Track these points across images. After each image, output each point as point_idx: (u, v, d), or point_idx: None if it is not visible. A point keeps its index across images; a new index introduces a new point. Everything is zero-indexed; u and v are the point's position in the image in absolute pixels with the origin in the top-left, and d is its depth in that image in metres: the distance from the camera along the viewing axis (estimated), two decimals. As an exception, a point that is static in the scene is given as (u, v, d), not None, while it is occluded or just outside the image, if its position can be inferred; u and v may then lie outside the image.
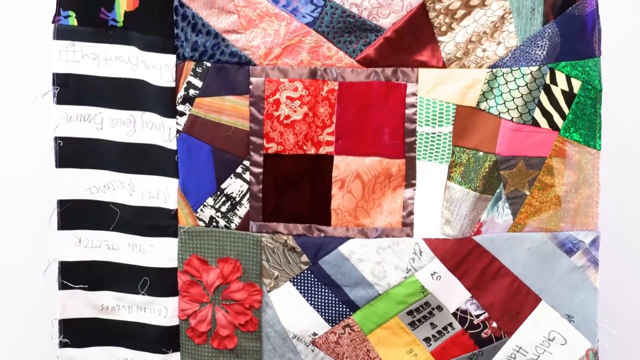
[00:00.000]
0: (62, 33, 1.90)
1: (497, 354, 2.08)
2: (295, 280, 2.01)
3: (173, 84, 1.91)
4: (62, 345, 2.12)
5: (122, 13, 1.90)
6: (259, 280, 2.02)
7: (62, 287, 2.02)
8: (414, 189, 1.96)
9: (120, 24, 1.90)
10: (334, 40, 1.90)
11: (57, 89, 1.93)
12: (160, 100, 1.91)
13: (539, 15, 1.89)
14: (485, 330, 2.03)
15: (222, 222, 1.96)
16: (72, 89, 1.93)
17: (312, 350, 2.10)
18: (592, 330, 2.02)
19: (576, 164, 1.98)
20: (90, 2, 1.91)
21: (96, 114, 1.93)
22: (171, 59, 1.90)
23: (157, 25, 1.91)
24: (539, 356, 2.06)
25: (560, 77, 1.94)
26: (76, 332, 2.09)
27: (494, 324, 2.03)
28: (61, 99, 1.93)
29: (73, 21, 1.90)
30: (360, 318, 2.05)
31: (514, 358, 2.06)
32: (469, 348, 2.07)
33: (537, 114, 1.94)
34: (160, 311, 2.03)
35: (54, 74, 1.94)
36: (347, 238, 1.97)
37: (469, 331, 2.04)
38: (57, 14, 1.91)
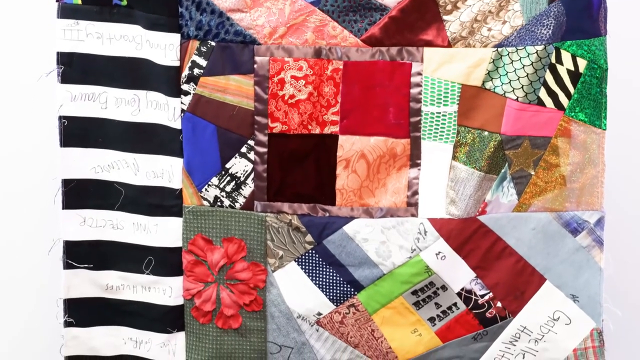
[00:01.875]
0: (66, 12, 1.91)
1: (502, 333, 2.08)
2: (299, 259, 2.02)
3: (177, 63, 1.91)
4: (67, 324, 2.12)
5: None
6: (264, 260, 2.03)
7: (67, 266, 2.03)
8: (419, 169, 1.96)
9: (125, 3, 1.90)
10: (338, 20, 1.90)
11: (61, 68, 1.93)
12: (165, 80, 1.91)
13: None
14: (489, 310, 2.04)
15: (226, 202, 1.97)
16: (76, 68, 1.93)
17: (317, 330, 2.10)
18: (596, 310, 2.03)
19: (581, 144, 1.97)
20: None
21: (100, 93, 1.94)
22: (175, 38, 1.90)
23: (161, 4, 1.91)
24: (543, 336, 2.06)
25: (566, 56, 1.93)
26: (81, 311, 2.09)
27: (499, 304, 2.03)
28: (65, 78, 1.93)
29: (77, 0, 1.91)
30: (364, 298, 2.05)
31: (519, 338, 2.06)
32: (473, 328, 2.08)
33: (543, 94, 1.94)
34: (165, 291, 2.04)
35: (58, 52, 1.93)
36: (352, 218, 1.97)
37: (474, 311, 2.04)
38: None
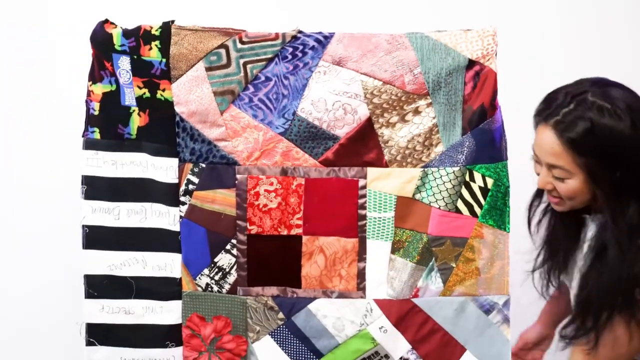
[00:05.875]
0: (89, 144, 2.20)
1: (433, 393, 2.33)
2: (273, 333, 2.29)
3: (176, 181, 2.23)
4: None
5: (135, 128, 2.23)
6: (245, 334, 2.30)
7: (89, 344, 2.27)
8: (365, 262, 2.25)
9: (134, 136, 2.21)
10: (300, 146, 2.21)
11: (85, 187, 2.23)
12: (166, 194, 2.25)
13: (459, 128, 2.16)
14: None
15: (215, 288, 2.28)
16: (96, 188, 2.21)
17: None
18: None
19: (491, 243, 2.20)
20: (110, 120, 2.23)
21: (114, 207, 2.24)
22: (174, 161, 2.22)
23: (162, 136, 2.23)
24: None
25: (477, 176, 2.17)
26: None
27: None
28: (88, 196, 2.21)
29: (97, 135, 2.23)
30: None
31: None
32: None
33: (460, 204, 2.19)
34: (169, 359, 2.31)
35: (82, 175, 2.24)
36: (315, 298, 2.26)
37: None
38: (86, 130, 2.23)
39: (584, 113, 1.77)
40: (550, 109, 1.84)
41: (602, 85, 1.82)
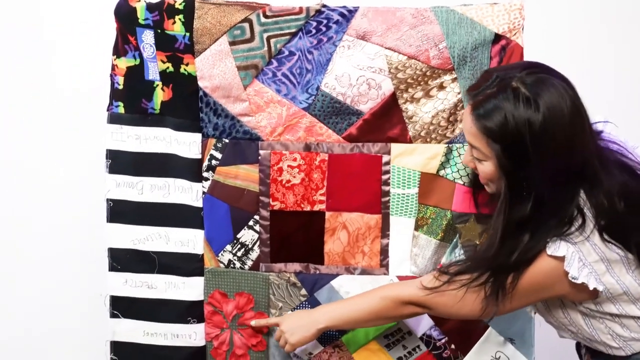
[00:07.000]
0: (113, 119, 2.26)
1: (455, 370, 2.33)
2: (295, 309, 2.29)
3: (199, 156, 2.26)
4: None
5: (159, 102, 2.24)
6: (267, 310, 2.31)
7: (112, 315, 2.32)
8: (388, 239, 2.25)
9: (157, 111, 2.24)
10: (324, 121, 2.20)
11: (109, 161, 2.27)
12: (189, 169, 2.28)
13: None
14: (445, 351, 2.28)
15: (237, 264, 2.29)
16: (120, 162, 2.27)
17: None
18: (529, 350, 2.27)
19: None
20: (134, 95, 2.24)
21: (138, 181, 2.29)
22: (198, 137, 2.25)
23: (186, 111, 2.24)
24: None
25: None
26: (124, 351, 2.34)
27: (452, 346, 2.27)
28: (112, 170, 2.27)
29: (121, 110, 2.25)
30: (346, 340, 2.30)
31: None
32: None
33: None
34: (191, 335, 2.33)
35: (107, 149, 2.26)
36: (337, 274, 2.27)
37: (433, 352, 2.28)
38: (110, 104, 2.26)
39: (501, 102, 1.74)
40: (478, 89, 1.81)
41: (533, 72, 1.76)
